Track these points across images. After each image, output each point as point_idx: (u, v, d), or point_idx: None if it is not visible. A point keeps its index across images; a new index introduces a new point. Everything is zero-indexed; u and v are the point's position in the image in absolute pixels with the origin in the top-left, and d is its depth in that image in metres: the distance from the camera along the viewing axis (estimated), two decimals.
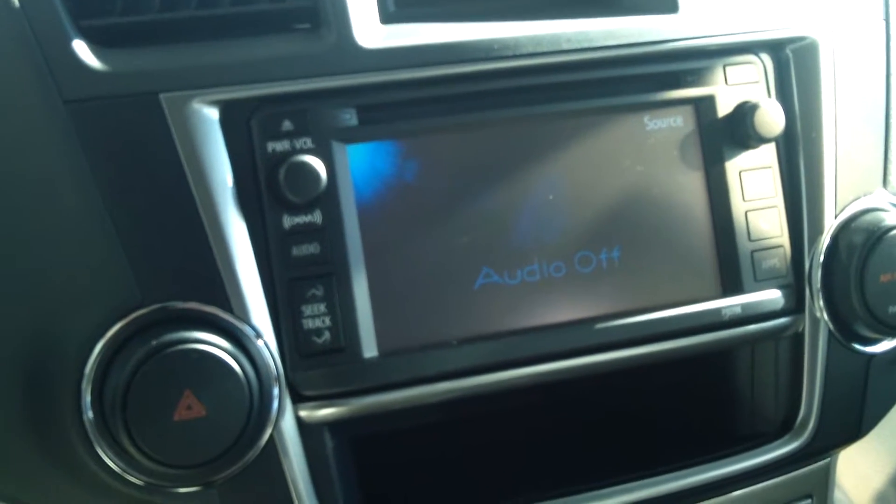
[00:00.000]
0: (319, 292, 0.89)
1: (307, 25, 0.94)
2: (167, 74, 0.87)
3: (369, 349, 0.91)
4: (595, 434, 1.15)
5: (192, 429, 0.83)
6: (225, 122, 0.88)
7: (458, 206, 0.94)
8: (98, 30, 0.88)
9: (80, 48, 0.86)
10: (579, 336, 0.96)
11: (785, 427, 1.07)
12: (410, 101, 0.94)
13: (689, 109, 1.01)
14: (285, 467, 0.90)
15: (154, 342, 0.83)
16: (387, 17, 0.97)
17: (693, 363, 1.02)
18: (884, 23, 1.08)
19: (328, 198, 0.90)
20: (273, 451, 0.89)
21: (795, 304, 1.03)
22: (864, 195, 1.06)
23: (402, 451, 1.10)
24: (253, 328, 0.87)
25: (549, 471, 1.08)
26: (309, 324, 0.89)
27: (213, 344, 0.85)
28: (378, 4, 0.96)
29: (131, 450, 0.83)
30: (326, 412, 0.91)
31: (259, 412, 0.87)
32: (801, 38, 1.03)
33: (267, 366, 0.88)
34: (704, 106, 1.01)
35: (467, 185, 0.94)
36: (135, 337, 0.85)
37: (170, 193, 0.86)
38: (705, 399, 1.13)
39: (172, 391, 0.83)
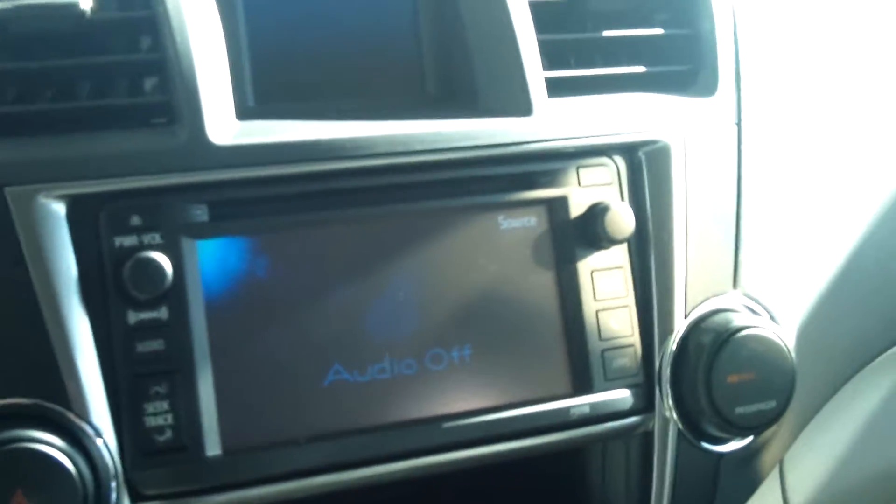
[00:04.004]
0: (163, 390, 0.89)
1: (164, 120, 0.93)
2: (11, 168, 0.86)
3: (212, 447, 0.90)
4: None
5: None
6: (72, 217, 0.88)
7: (309, 303, 0.94)
8: None
9: None
10: (429, 435, 0.97)
11: None
12: (263, 197, 0.94)
13: (542, 210, 1.02)
14: None
15: None
16: (245, 112, 0.98)
17: (545, 460, 1.03)
18: (735, 127, 1.10)
19: (175, 294, 0.89)
20: None
21: (645, 403, 1.05)
22: (715, 296, 1.08)
23: None
24: (92, 426, 0.87)
25: None
26: (151, 421, 0.89)
27: (47, 443, 0.83)
28: (235, 100, 0.97)
29: None
30: None
31: None
32: (654, 142, 1.06)
33: (105, 464, 0.87)
34: (557, 206, 1.02)
35: (319, 281, 0.95)
36: None
37: (9, 288, 0.86)
38: (557, 496, 1.13)
39: (2, 491, 0.82)
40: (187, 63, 0.92)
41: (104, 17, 0.93)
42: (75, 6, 0.91)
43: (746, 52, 1.13)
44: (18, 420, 0.84)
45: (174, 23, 0.92)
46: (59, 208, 0.88)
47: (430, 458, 0.97)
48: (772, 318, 1.09)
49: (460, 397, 0.98)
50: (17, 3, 0.90)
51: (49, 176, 0.87)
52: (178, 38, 0.92)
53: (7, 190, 0.86)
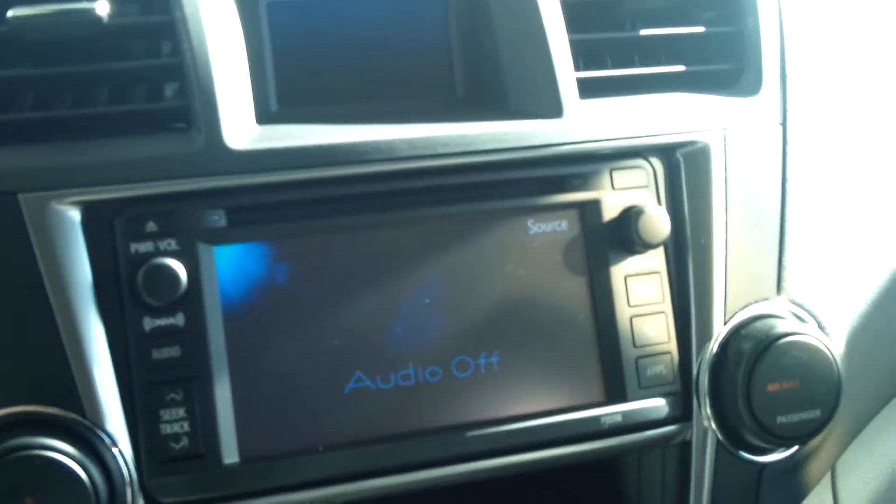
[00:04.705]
0: (179, 396, 0.88)
1: (183, 126, 0.93)
2: (26, 174, 0.86)
3: (230, 455, 0.89)
4: None
5: None
6: (87, 223, 0.88)
7: (331, 310, 0.93)
8: None
9: None
10: (454, 443, 0.95)
11: None
12: (282, 202, 0.93)
13: (573, 213, 0.99)
14: None
15: None
16: (267, 117, 0.97)
17: (576, 471, 1.00)
18: (780, 127, 1.06)
19: (191, 300, 0.89)
20: None
21: (682, 411, 1.01)
22: (758, 301, 1.04)
23: None
24: (107, 434, 0.86)
25: None
26: (167, 428, 0.88)
27: (58, 450, 0.83)
28: (256, 105, 0.96)
29: None
30: None
31: None
32: (692, 143, 1.02)
33: (120, 472, 0.86)
34: (589, 210, 1.00)
35: (341, 288, 0.93)
36: None
37: (23, 295, 0.85)
38: None
39: (13, 498, 0.81)
40: (204, 68, 0.91)
41: (122, 22, 0.93)
42: (92, 12, 0.90)
43: (793, 50, 1.09)
44: (32, 427, 0.84)
45: (192, 27, 0.91)
46: (74, 214, 0.87)
47: (454, 468, 0.95)
48: (819, 325, 1.05)
49: (487, 405, 0.96)
50: (35, 9, 0.90)
51: (62, 182, 0.87)
52: (196, 43, 0.91)
53: (21, 197, 0.86)
